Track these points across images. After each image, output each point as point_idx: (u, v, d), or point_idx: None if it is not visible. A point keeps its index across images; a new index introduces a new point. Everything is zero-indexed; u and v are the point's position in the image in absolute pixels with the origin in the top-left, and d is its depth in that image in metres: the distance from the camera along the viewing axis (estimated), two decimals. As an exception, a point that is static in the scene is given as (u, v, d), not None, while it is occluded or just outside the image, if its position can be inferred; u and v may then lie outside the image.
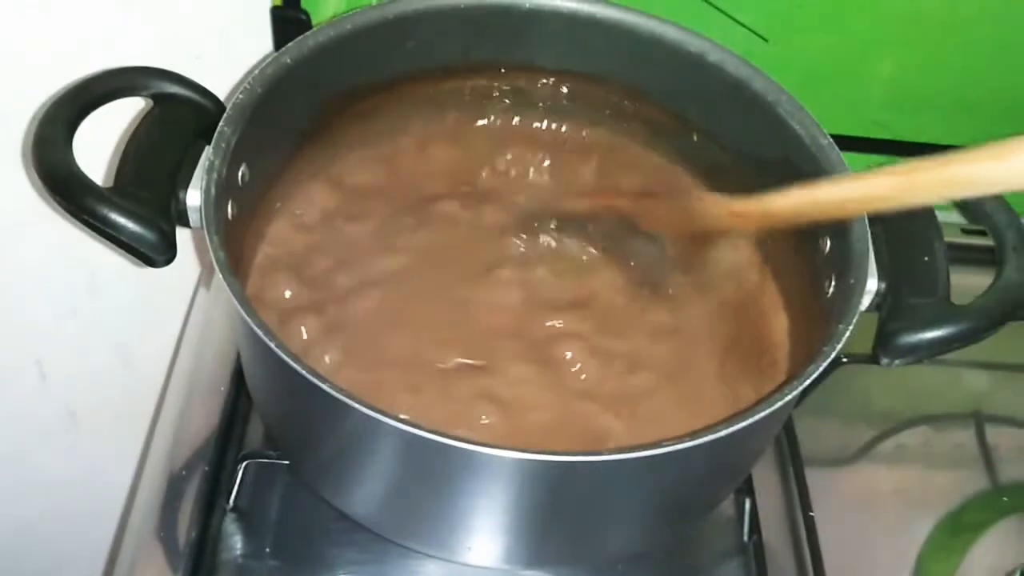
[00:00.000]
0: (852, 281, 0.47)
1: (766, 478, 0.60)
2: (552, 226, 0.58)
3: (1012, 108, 0.70)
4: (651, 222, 0.57)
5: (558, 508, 0.45)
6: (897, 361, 0.48)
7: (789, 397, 0.43)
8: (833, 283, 0.50)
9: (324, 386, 0.40)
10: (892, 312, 0.48)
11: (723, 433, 0.41)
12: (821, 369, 0.43)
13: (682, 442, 0.40)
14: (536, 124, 0.63)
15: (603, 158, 0.62)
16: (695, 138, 0.59)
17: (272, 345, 0.41)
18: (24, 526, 0.93)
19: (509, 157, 0.62)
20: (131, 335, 0.82)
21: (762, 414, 0.42)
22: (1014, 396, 0.70)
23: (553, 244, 0.58)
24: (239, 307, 0.42)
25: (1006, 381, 0.71)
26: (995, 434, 0.67)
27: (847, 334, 0.44)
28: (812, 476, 0.60)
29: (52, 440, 0.86)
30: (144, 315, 0.80)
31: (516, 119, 0.63)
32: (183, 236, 0.56)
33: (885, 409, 0.67)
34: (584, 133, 0.63)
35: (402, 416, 0.39)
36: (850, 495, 0.63)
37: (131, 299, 0.79)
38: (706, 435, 0.40)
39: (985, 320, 0.47)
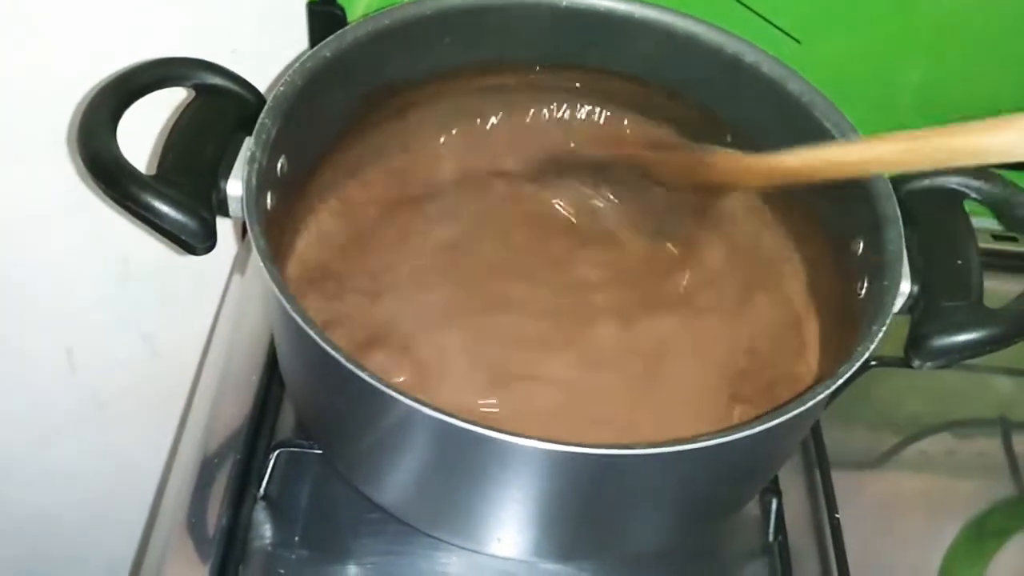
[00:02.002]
0: (885, 283, 0.47)
1: (793, 479, 0.60)
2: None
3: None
4: (666, 172, 0.58)
5: (588, 501, 0.46)
6: (929, 364, 0.48)
7: (821, 396, 0.43)
8: (866, 285, 0.50)
9: (363, 374, 0.40)
10: (924, 314, 0.48)
11: (755, 431, 0.41)
12: (853, 370, 0.43)
13: (714, 439, 0.40)
14: (570, 121, 0.64)
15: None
16: (729, 139, 0.59)
17: (312, 332, 0.41)
18: (51, 513, 0.94)
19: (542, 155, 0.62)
20: (160, 325, 0.83)
21: (793, 412, 0.42)
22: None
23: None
24: (279, 295, 0.43)
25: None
26: (1021, 441, 0.66)
27: (880, 335, 0.45)
28: (838, 479, 0.60)
29: (79, 428, 0.87)
30: (173, 305, 0.81)
31: (551, 116, 0.64)
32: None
33: (912, 413, 0.67)
34: (619, 131, 0.63)
35: (437, 405, 0.39)
36: (876, 499, 0.63)
37: (161, 289, 0.80)
38: (738, 432, 0.41)
39: (1018, 324, 0.47)
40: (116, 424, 0.88)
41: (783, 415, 0.42)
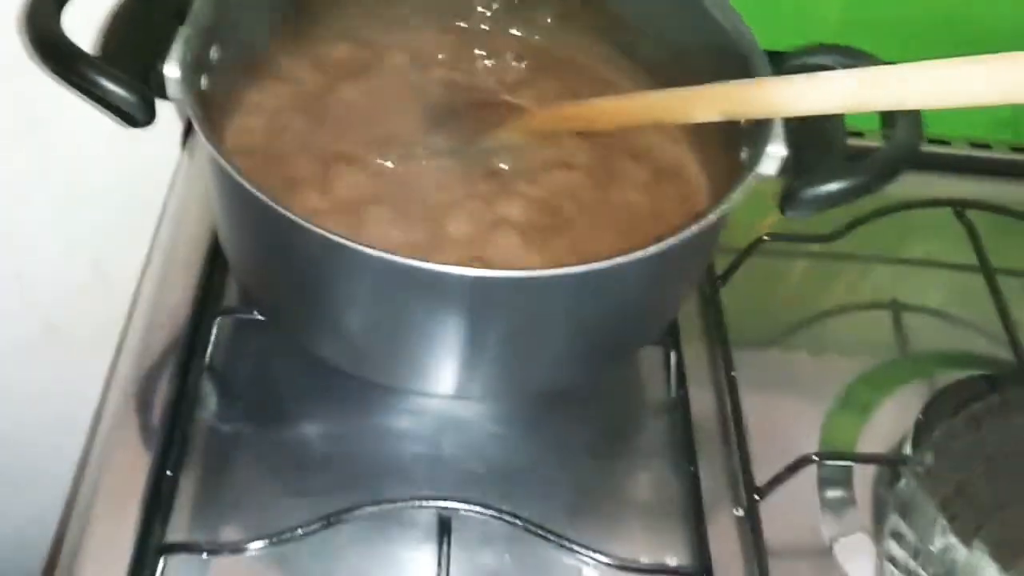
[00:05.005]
0: (762, 147, 0.52)
1: (692, 345, 0.65)
2: None
3: (963, 32, 0.75)
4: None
5: (499, 330, 0.50)
6: (800, 213, 0.53)
7: (713, 217, 0.48)
8: (747, 152, 0.55)
9: (294, 216, 0.44)
10: (796, 171, 0.53)
11: (654, 250, 0.45)
12: (740, 190, 0.49)
13: (614, 260, 0.45)
14: (484, 24, 0.69)
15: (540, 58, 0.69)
16: (634, 37, 0.65)
17: (246, 184, 0.45)
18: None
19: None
20: (108, 252, 0.86)
21: (689, 233, 0.47)
22: (926, 286, 0.76)
23: None
24: (212, 150, 0.47)
25: (919, 274, 0.77)
26: (909, 318, 0.72)
27: (757, 168, 0.51)
28: (735, 356, 0.64)
29: (30, 353, 0.90)
30: (123, 232, 0.84)
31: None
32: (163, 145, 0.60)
33: (806, 295, 0.73)
34: (530, 36, 0.69)
35: (360, 239, 0.44)
36: (771, 369, 0.67)
37: (110, 215, 0.82)
38: (635, 254, 0.45)
39: (878, 172, 0.52)
40: (66, 349, 0.90)
41: (681, 234, 0.47)
